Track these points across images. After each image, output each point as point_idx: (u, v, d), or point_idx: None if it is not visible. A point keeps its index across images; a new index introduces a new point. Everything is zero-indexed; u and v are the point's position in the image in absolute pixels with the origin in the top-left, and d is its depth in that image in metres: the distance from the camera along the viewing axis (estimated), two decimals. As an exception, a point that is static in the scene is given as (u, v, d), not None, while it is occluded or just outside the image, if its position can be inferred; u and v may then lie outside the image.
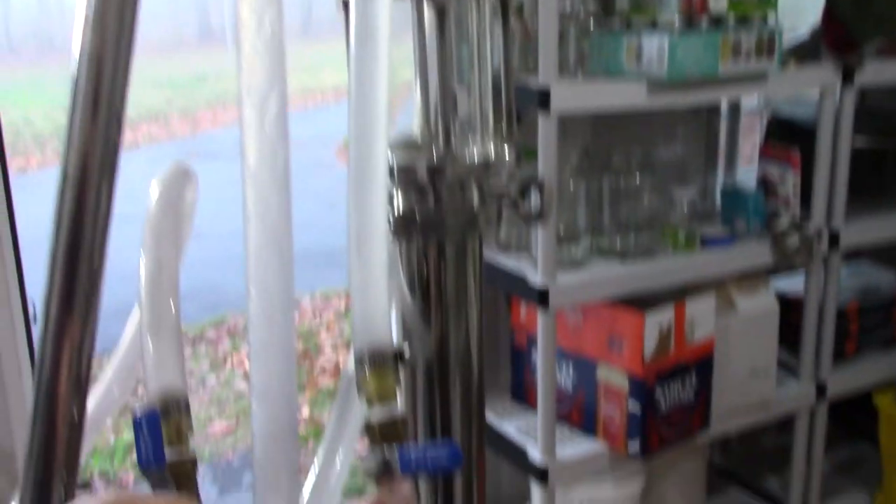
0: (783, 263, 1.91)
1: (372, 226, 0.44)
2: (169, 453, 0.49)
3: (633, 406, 1.69)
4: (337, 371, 3.69)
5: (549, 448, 1.70)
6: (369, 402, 0.45)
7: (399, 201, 0.54)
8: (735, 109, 2.33)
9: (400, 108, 0.56)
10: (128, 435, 3.08)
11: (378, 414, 0.44)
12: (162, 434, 0.44)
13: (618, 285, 1.69)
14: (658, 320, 1.68)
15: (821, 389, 2.05)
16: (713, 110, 2.24)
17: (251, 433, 0.42)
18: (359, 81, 0.43)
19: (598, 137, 2.01)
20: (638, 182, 1.78)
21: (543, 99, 1.50)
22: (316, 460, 0.51)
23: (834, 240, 1.93)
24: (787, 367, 2.08)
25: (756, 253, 1.86)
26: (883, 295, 2.20)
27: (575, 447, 1.77)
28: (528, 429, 1.82)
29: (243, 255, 0.42)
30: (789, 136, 2.01)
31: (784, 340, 1.99)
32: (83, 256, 0.46)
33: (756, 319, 1.90)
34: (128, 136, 8.74)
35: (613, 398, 1.72)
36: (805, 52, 1.84)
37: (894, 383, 2.15)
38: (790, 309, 2.05)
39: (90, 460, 3.04)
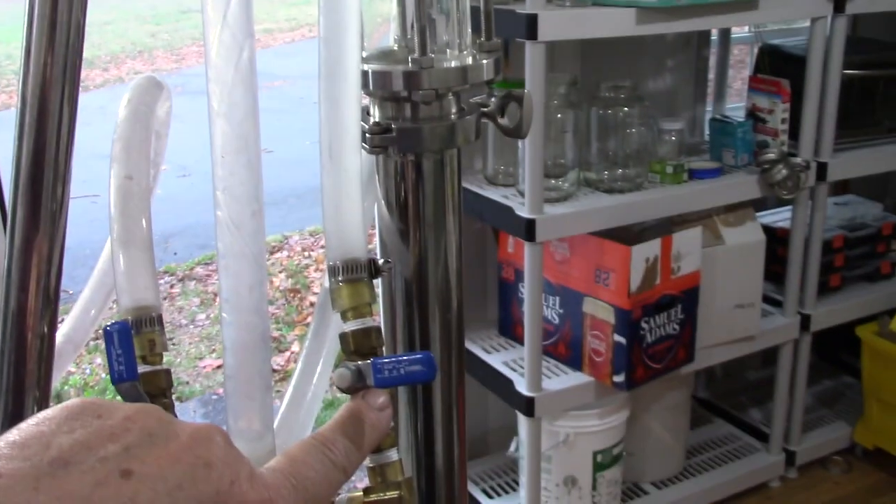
0: (770, 195, 1.90)
1: (344, 133, 0.43)
2: (143, 369, 0.48)
3: (619, 338, 1.70)
4: (326, 308, 3.69)
5: (536, 380, 1.72)
6: (343, 313, 0.44)
7: (375, 113, 0.52)
8: (725, 40, 2.30)
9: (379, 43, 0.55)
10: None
11: (352, 324, 0.44)
12: (134, 347, 0.43)
13: (605, 218, 1.68)
14: (644, 253, 1.68)
15: (805, 322, 2.06)
16: (703, 41, 2.21)
17: (222, 343, 0.41)
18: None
19: (586, 69, 1.99)
20: (626, 114, 1.76)
21: (531, 26, 1.47)
22: (294, 374, 0.50)
23: (821, 171, 1.92)
24: (773, 301, 2.10)
25: (744, 185, 1.85)
26: (869, 228, 2.20)
27: (561, 380, 1.78)
28: (515, 362, 1.83)
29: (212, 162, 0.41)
30: (780, 68, 1.99)
31: (770, 274, 2.00)
32: (48, 162, 0.45)
33: (742, 251, 1.90)
34: (112, 71, 8.62)
35: (599, 331, 1.73)
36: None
37: (878, 316, 2.17)
38: (776, 243, 2.06)
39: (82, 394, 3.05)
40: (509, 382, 1.76)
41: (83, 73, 0.52)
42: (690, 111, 2.23)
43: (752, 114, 1.93)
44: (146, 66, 8.79)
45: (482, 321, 2.00)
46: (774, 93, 1.87)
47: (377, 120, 0.52)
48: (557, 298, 1.79)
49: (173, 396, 0.53)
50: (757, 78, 1.95)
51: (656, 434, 2.05)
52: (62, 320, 0.61)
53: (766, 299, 2.06)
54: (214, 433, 0.33)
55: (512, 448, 1.90)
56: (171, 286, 3.88)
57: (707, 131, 2.08)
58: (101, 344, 3.26)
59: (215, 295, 3.86)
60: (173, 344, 3.39)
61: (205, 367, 3.24)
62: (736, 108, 2.28)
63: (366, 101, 0.54)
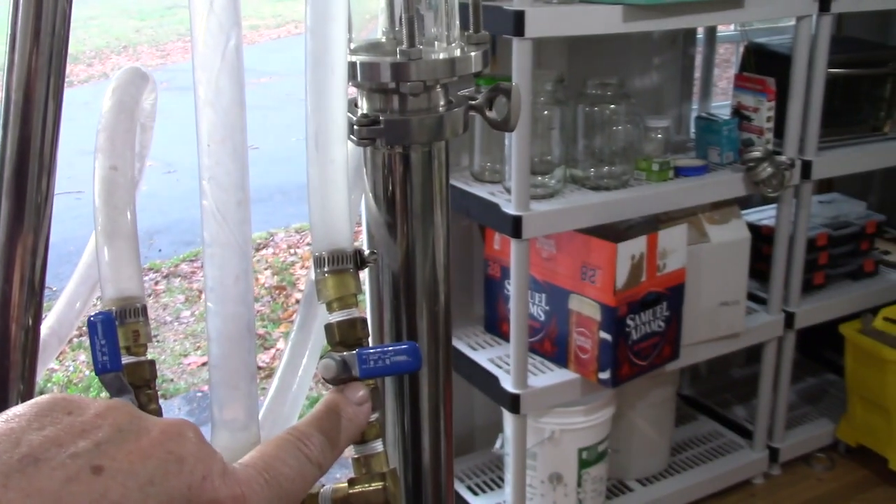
0: (755, 193, 1.91)
1: (331, 123, 0.43)
2: (127, 360, 0.48)
3: (605, 335, 1.71)
4: (312, 305, 3.68)
5: (521, 377, 1.72)
6: (329, 303, 0.44)
7: (363, 105, 0.52)
8: (711, 38, 2.31)
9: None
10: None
11: (337, 315, 0.43)
12: (118, 338, 0.42)
13: (591, 215, 1.68)
14: (630, 250, 1.69)
15: (789, 319, 2.07)
16: (689, 39, 2.22)
17: (207, 333, 0.41)
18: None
19: (573, 66, 1.99)
20: (612, 111, 1.77)
21: (518, 22, 1.47)
22: (280, 366, 0.50)
23: (806, 170, 1.93)
24: (757, 299, 2.11)
25: (729, 183, 1.86)
26: (853, 226, 2.21)
27: (547, 376, 1.79)
28: (500, 359, 1.83)
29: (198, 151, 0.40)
30: (766, 66, 2.00)
31: (754, 271, 2.01)
32: (33, 154, 0.45)
33: (727, 249, 1.91)
34: (96, 67, 8.56)
35: (585, 327, 1.74)
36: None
37: (861, 314, 2.19)
38: (761, 240, 2.07)
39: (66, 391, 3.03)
40: (495, 379, 1.76)
41: (67, 69, 0.52)
42: (676, 109, 2.24)
43: (738, 112, 1.93)
44: (131, 61, 8.75)
45: (468, 318, 2.00)
46: (760, 91, 1.88)
47: (365, 112, 0.52)
48: (543, 295, 1.79)
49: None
50: (742, 76, 1.96)
51: (641, 431, 2.06)
52: (47, 314, 0.60)
53: (751, 297, 2.07)
54: (186, 428, 0.33)
55: (497, 445, 1.90)
56: (156, 283, 3.87)
57: (693, 129, 2.09)
58: (85, 341, 3.24)
59: (200, 292, 3.85)
60: (158, 341, 3.38)
61: (189, 364, 3.22)
62: (722, 106, 2.29)
63: (354, 93, 0.53)
